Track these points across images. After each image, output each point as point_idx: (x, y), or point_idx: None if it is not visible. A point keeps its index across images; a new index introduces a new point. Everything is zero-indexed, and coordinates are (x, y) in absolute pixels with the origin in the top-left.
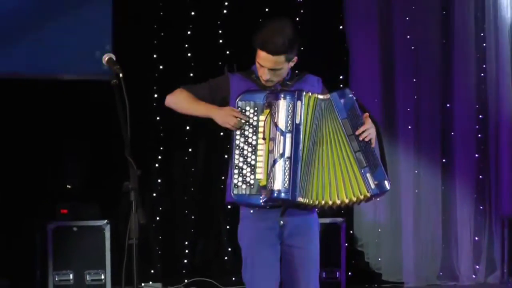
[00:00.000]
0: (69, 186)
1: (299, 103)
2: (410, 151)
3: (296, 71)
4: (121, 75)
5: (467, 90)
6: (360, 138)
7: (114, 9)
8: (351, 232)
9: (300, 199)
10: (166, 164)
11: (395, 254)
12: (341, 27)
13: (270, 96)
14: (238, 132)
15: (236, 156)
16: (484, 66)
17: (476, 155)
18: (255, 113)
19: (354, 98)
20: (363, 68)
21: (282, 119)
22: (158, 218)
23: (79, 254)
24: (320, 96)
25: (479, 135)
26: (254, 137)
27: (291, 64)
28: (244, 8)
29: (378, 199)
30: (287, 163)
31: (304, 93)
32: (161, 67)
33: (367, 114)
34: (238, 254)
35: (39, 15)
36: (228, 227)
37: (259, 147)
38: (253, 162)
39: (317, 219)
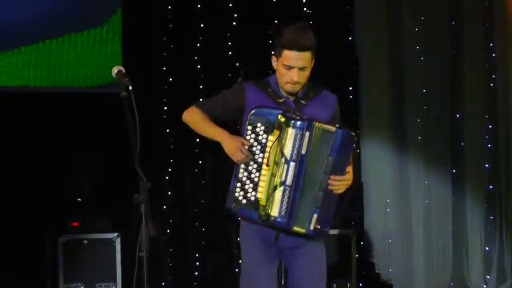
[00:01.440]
0: (80, 199)
1: (307, 133)
2: (420, 161)
3: (307, 84)
4: (130, 87)
5: (476, 101)
6: (330, 185)
7: (124, 22)
8: (361, 243)
9: (295, 228)
10: (176, 177)
11: (406, 264)
12: (350, 38)
13: (283, 117)
14: (246, 147)
15: (241, 170)
16: (493, 76)
17: (486, 165)
18: (266, 131)
19: (353, 145)
20: (372, 79)
21: (288, 147)
22: (168, 231)
23: (90, 267)
24: (326, 126)
25: (489, 145)
26: (261, 155)
27: (312, 65)
28: (253, 20)
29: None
30: (287, 191)
31: (315, 124)
32: (170, 79)
33: (351, 168)
34: None
35: (49, 29)
36: (238, 239)
37: (263, 166)
38: (256, 180)
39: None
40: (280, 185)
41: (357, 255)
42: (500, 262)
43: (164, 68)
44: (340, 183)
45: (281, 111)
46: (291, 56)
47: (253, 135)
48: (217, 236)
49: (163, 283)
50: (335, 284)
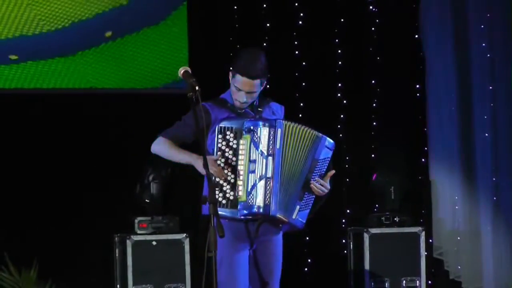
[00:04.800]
0: (148, 200)
1: (279, 130)
2: (487, 158)
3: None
4: (197, 87)
5: None
6: (312, 186)
7: (190, 22)
8: (430, 240)
9: (278, 215)
10: None
11: (475, 262)
12: (417, 35)
13: (249, 123)
14: (219, 153)
15: None
16: None
17: None
18: (235, 137)
19: (331, 154)
20: (439, 76)
21: (264, 144)
22: None
23: (159, 268)
24: (314, 132)
25: None
26: (234, 158)
27: (262, 87)
28: (320, 19)
29: (293, 229)
30: (268, 182)
31: (283, 122)
32: None
33: (333, 172)
34: (319, 265)
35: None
36: (307, 238)
37: (239, 167)
38: (232, 181)
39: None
40: (261, 179)
41: (426, 253)
42: None
43: (231, 68)
44: (321, 188)
45: (246, 119)
46: (241, 81)
47: (224, 142)
48: (284, 235)
49: None
50: (404, 281)
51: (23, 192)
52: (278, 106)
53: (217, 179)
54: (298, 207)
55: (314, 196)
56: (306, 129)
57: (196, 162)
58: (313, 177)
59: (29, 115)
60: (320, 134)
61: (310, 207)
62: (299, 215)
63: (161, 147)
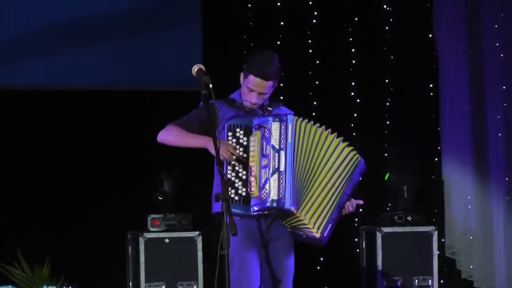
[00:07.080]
0: (161, 198)
1: (290, 125)
2: (500, 158)
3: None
4: (210, 85)
5: None
6: (346, 207)
7: (203, 20)
8: (442, 240)
9: (292, 208)
10: None
11: (487, 261)
12: (430, 35)
13: (259, 119)
14: (229, 140)
15: (229, 172)
16: None
17: None
18: (245, 134)
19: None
20: (452, 76)
21: (276, 138)
22: None
23: (171, 265)
24: (358, 156)
25: None
26: (245, 155)
27: (273, 89)
28: (334, 18)
29: (315, 243)
30: (281, 176)
31: (293, 117)
32: None
33: (361, 203)
34: (331, 264)
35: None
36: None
37: (250, 164)
38: (244, 177)
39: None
40: (273, 173)
41: (438, 252)
42: None
43: (245, 66)
44: (350, 209)
45: (255, 117)
46: (254, 82)
47: (234, 140)
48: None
49: None
50: (416, 281)
51: (35, 189)
52: (287, 110)
53: (230, 176)
54: (330, 225)
55: (342, 214)
56: (320, 128)
57: (209, 144)
58: (352, 200)
59: (44, 112)
60: (360, 158)
61: (336, 223)
62: (328, 233)
63: (170, 133)
